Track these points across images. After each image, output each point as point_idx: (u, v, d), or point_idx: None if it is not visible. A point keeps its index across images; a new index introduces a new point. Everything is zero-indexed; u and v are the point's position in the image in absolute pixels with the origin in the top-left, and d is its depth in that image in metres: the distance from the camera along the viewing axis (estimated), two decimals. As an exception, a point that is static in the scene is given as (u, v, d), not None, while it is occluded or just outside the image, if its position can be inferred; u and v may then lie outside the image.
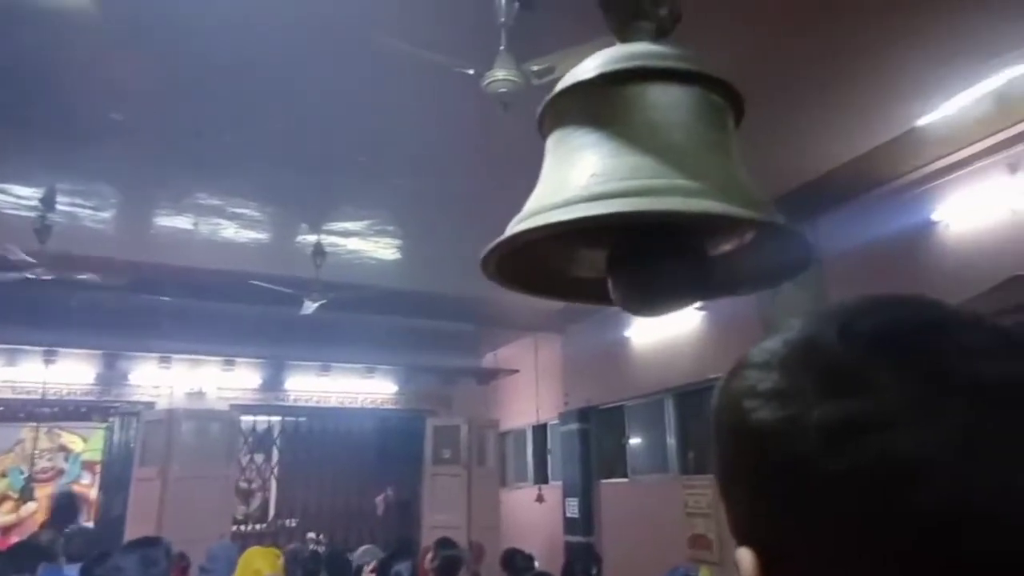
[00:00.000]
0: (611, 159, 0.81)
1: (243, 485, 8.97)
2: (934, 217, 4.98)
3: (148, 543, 2.57)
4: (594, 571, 4.45)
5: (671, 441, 7.55)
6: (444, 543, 3.87)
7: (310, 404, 9.12)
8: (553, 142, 0.91)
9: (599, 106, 0.86)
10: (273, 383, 8.80)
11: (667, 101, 0.86)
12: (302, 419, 9.38)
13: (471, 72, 3.43)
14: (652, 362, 7.73)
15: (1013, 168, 4.53)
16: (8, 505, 9.53)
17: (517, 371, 9.65)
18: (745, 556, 0.44)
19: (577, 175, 0.83)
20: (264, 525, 9.48)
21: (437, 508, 8.56)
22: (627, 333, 8.06)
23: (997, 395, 0.39)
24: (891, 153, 4.87)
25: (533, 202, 0.88)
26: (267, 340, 8.45)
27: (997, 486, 0.37)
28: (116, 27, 3.51)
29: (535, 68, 3.46)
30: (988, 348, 0.41)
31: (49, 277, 5.53)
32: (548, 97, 0.91)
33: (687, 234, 0.93)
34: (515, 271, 0.98)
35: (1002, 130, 4.46)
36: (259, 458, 9.17)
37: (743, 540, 0.45)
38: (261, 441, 9.12)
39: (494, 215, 5.09)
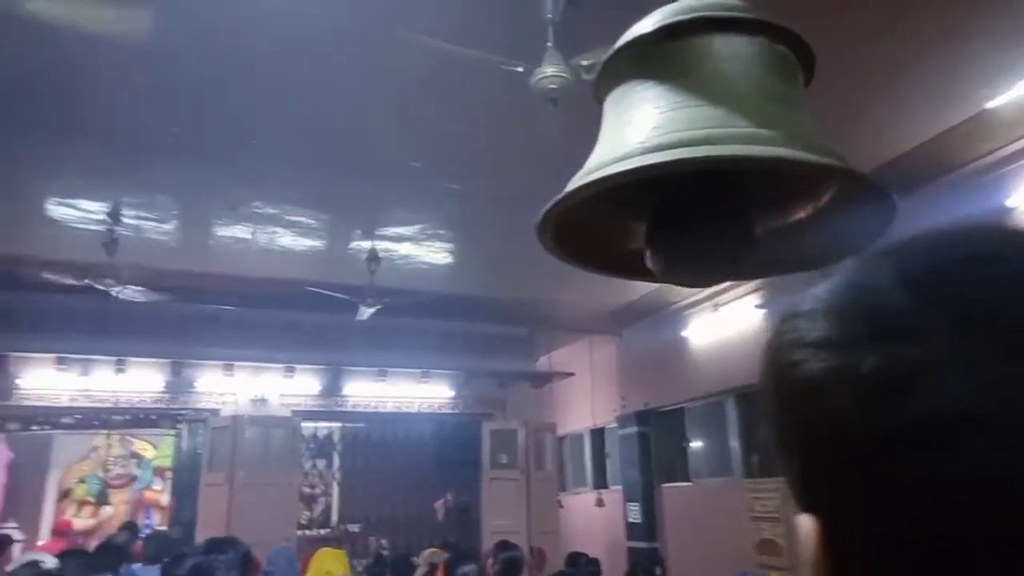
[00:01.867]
0: (672, 112, 0.76)
1: (306, 490, 9.13)
2: (1008, 203, 4.70)
3: (226, 543, 2.61)
4: (659, 572, 4.33)
5: (734, 444, 7.36)
6: (504, 545, 3.84)
7: (368, 410, 9.22)
8: (611, 103, 0.86)
9: (659, 61, 0.81)
10: (332, 389, 8.93)
11: (731, 52, 0.80)
12: (361, 425, 9.49)
13: (520, 70, 3.40)
14: (712, 363, 7.54)
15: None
16: (87, 510, 9.95)
17: (572, 374, 9.55)
18: (805, 524, 0.39)
19: (635, 131, 0.78)
20: (328, 530, 9.62)
21: (496, 513, 8.52)
22: (684, 334, 7.89)
23: None
24: (961, 137, 4.64)
25: (590, 163, 0.83)
26: (325, 346, 8.59)
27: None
28: (169, 43, 3.61)
29: (584, 63, 3.41)
30: None
31: (118, 289, 5.74)
32: (605, 57, 0.86)
33: (739, 198, 0.87)
34: (571, 242, 0.93)
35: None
36: (321, 463, 9.32)
37: (803, 507, 0.40)
38: (322, 447, 9.28)
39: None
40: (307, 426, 8.78)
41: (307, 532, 9.17)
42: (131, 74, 3.85)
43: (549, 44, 3.35)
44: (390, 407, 9.25)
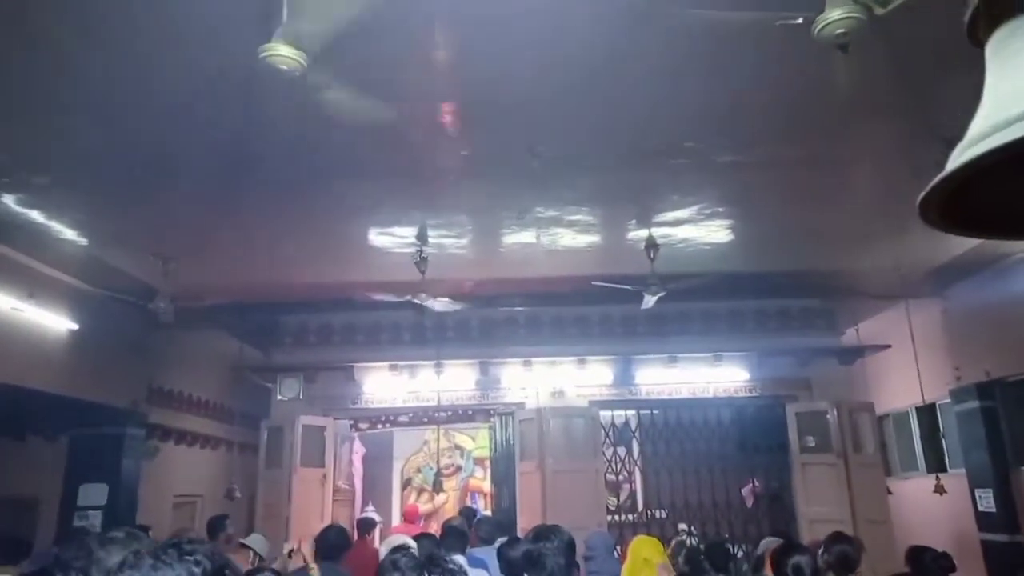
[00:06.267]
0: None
1: (611, 477, 9.38)
2: None
3: (552, 531, 2.79)
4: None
5: (1122, 416, 5.96)
6: (838, 538, 3.55)
7: (662, 396, 9.19)
8: (998, 42, 0.69)
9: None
10: (624, 378, 9.07)
11: None
12: (656, 412, 9.49)
13: (799, 21, 3.09)
14: (1077, 319, 6.19)
15: None
16: (425, 496, 11.40)
17: (888, 346, 8.51)
18: None
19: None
20: (635, 516, 9.79)
21: (812, 500, 7.94)
22: (1034, 286, 6.59)
23: None
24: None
25: (981, 122, 0.68)
26: (614, 336, 8.78)
27: None
28: (455, 77, 3.94)
29: (877, -4, 2.99)
30: None
31: (431, 301, 6.45)
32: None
33: None
34: (965, 213, 0.78)
35: None
36: (621, 451, 9.52)
37: None
38: (621, 434, 9.46)
39: (834, 176, 4.58)
40: (604, 415, 9.03)
41: (615, 518, 9.41)
42: (427, 112, 4.29)
43: (832, -16, 2.99)
44: (684, 393, 9.11)
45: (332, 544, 4.07)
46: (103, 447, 7.86)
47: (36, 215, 5.53)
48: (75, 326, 6.83)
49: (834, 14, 2.97)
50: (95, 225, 5.90)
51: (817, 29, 3.03)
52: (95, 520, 7.57)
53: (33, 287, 6.31)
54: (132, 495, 8.02)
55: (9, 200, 5.27)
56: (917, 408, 8.62)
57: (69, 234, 5.93)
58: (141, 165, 4.85)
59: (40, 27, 3.43)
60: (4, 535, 4.40)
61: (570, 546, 2.82)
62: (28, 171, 4.91)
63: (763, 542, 5.06)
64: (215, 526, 6.30)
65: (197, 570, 1.41)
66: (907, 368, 8.18)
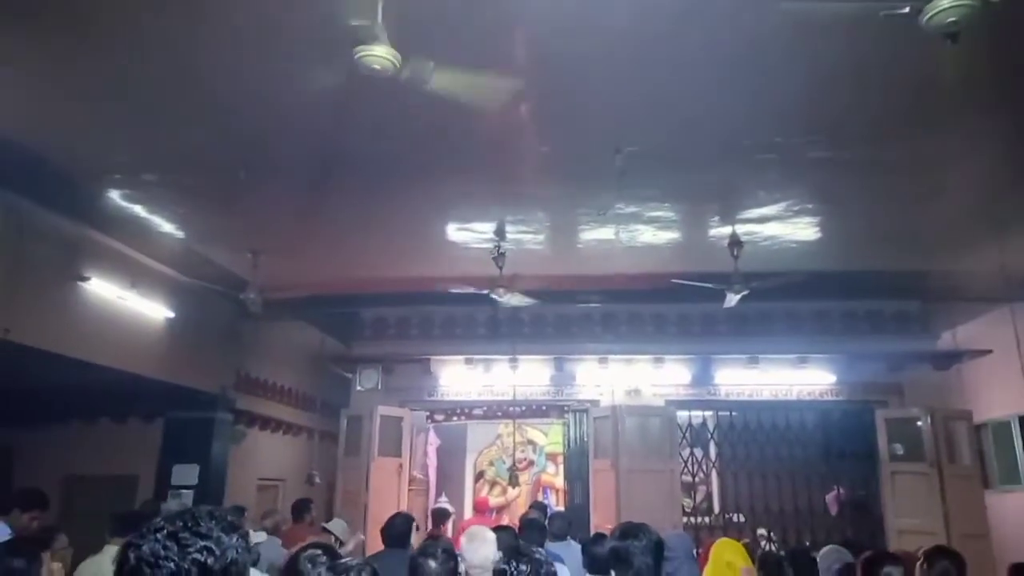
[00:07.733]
0: None
1: (686, 478, 9.21)
2: None
3: (640, 530, 2.74)
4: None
5: None
6: (942, 552, 3.36)
7: (741, 398, 8.96)
8: None
9: None
10: (702, 378, 8.87)
11: None
12: (735, 413, 9.26)
13: (906, 11, 2.94)
14: None
15: None
16: (498, 489, 11.48)
17: (989, 351, 8.02)
18: None
19: None
20: (711, 518, 9.59)
21: (902, 510, 7.60)
22: None
23: None
24: None
25: None
26: (692, 335, 8.60)
27: None
28: (526, 73, 3.93)
29: (993, -19, 2.81)
30: None
31: (507, 296, 6.48)
32: None
33: None
34: None
35: None
36: (698, 452, 9.33)
37: None
38: (698, 435, 9.28)
39: (931, 174, 4.35)
40: (681, 415, 8.87)
41: (691, 520, 9.24)
42: (509, 110, 4.30)
43: (944, -29, 2.83)
44: (765, 394, 8.85)
45: (398, 532, 4.16)
46: (195, 430, 8.26)
47: (139, 210, 5.86)
48: (171, 314, 7.20)
49: (945, 2, 2.81)
50: (192, 220, 6.20)
51: (926, 18, 2.87)
52: (187, 499, 7.96)
53: (135, 277, 6.68)
54: (221, 477, 8.40)
55: (115, 195, 5.60)
56: (1021, 417, 8.08)
57: (168, 228, 6.25)
58: (236, 164, 5.06)
59: (155, 35, 3.61)
60: (113, 510, 4.70)
61: (658, 546, 2.76)
62: (138, 169, 5.21)
63: (824, 550, 4.65)
64: (301, 508, 6.55)
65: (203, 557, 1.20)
66: (1010, 375, 7.67)
